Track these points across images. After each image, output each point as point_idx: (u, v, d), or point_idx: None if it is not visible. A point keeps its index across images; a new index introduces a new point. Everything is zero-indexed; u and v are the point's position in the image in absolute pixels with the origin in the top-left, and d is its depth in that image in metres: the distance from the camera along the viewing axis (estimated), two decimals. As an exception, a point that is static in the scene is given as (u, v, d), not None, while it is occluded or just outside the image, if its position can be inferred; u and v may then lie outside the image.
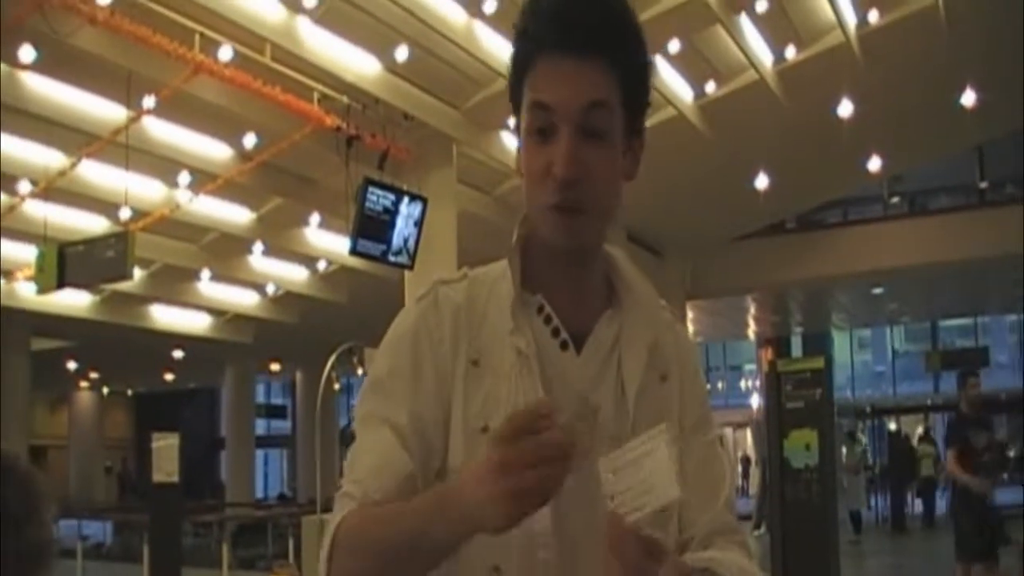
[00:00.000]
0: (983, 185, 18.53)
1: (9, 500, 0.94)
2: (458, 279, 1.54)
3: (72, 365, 23.99)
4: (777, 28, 11.40)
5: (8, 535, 0.92)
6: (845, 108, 12.10)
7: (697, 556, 1.44)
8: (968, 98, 12.40)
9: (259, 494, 28.25)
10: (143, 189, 12.08)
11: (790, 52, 11.78)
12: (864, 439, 28.21)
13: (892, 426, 28.97)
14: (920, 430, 25.33)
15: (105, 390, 28.40)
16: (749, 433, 28.98)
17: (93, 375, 26.55)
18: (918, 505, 21.66)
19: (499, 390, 1.43)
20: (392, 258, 10.84)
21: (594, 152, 1.39)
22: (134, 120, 10.10)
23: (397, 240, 10.69)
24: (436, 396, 1.45)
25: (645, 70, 1.47)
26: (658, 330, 1.54)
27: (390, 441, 1.42)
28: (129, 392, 29.38)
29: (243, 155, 11.62)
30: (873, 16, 11.44)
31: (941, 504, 20.26)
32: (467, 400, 1.44)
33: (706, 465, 1.56)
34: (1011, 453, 25.17)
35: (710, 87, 12.10)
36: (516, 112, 1.47)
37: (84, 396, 28.90)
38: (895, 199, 19.11)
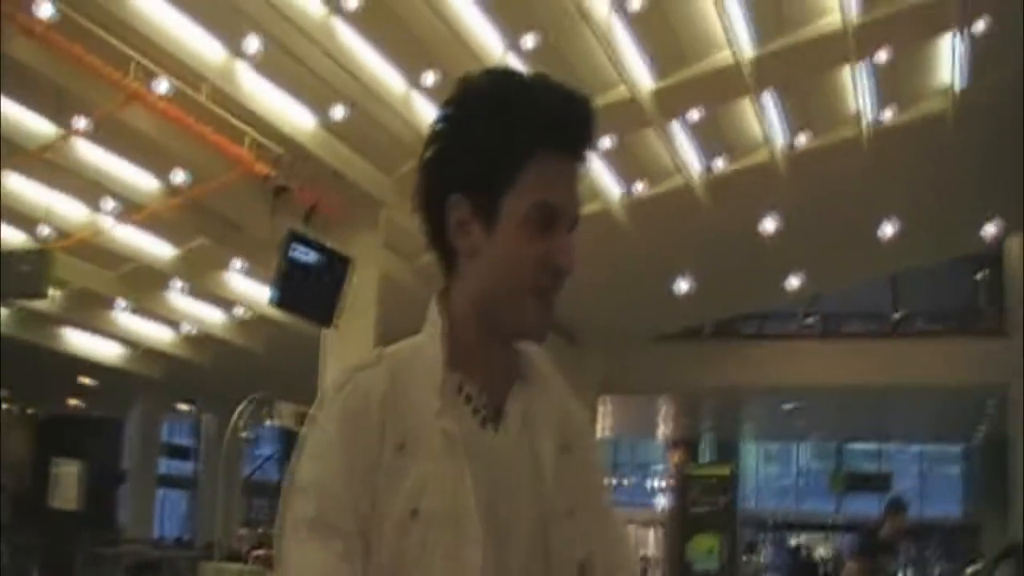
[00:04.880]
0: (896, 315, 19.00)
1: None
2: (374, 363, 1.52)
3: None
4: (708, 138, 11.74)
5: None
6: (769, 224, 12.44)
7: None
8: (886, 229, 12.80)
9: (156, 534, 27.68)
10: (66, 209, 12.00)
11: (719, 163, 12.10)
12: (763, 550, 28.41)
13: (792, 541, 29.19)
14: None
15: (4, 407, 27.81)
16: (652, 534, 28.98)
17: (-4, 391, 26.01)
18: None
19: (427, 472, 1.43)
20: (312, 313, 10.83)
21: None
22: (63, 138, 10.09)
23: (318, 296, 10.67)
24: (368, 490, 1.44)
25: None
26: (562, 403, 1.59)
27: (337, 555, 1.40)
28: (29, 411, 28.78)
29: (170, 190, 11.61)
30: (801, 139, 11.83)
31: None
32: (395, 486, 1.43)
33: (609, 528, 1.62)
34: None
35: (638, 187, 12.36)
36: (471, 190, 1.46)
37: (-16, 411, 28.27)
38: (810, 319, 19.49)
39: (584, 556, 1.54)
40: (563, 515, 1.51)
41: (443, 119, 1.51)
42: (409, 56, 9.71)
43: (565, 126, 1.46)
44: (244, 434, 23.22)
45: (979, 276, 19.06)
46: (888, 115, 11.49)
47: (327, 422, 1.47)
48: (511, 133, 1.45)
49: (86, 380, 21.02)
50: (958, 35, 10.22)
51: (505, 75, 1.52)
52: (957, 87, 10.98)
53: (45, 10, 8.01)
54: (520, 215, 1.45)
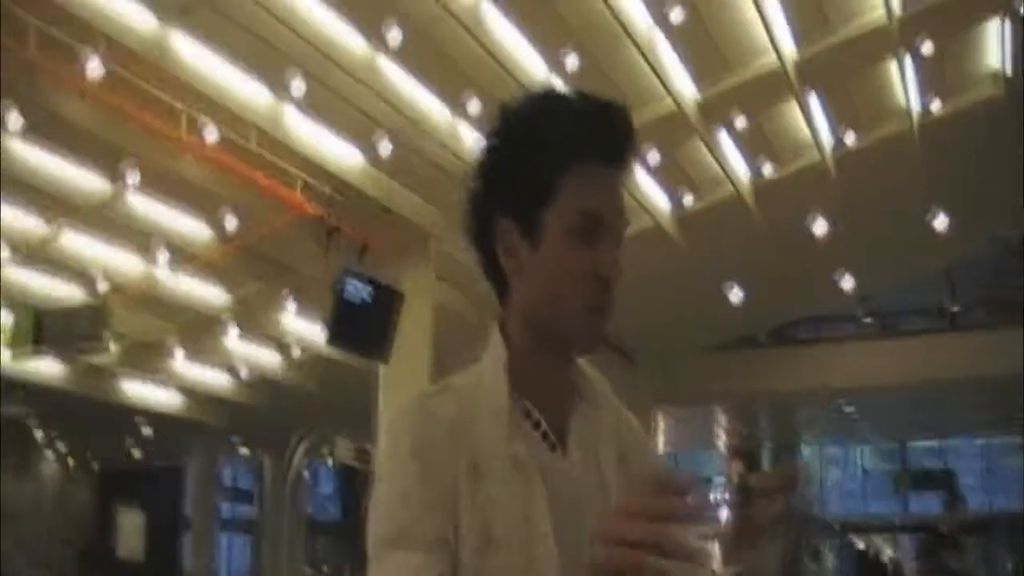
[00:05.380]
0: (954, 309, 18.79)
1: None
2: (441, 391, 1.52)
3: (39, 434, 23.71)
4: (754, 144, 11.67)
5: None
6: (819, 226, 12.33)
7: None
8: (940, 221, 12.66)
9: (221, 578, 27.82)
10: (121, 262, 12.10)
11: (767, 169, 12.03)
12: (829, 555, 28.06)
13: (859, 543, 28.80)
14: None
15: (71, 462, 28.08)
16: (716, 546, 28.77)
17: (60, 446, 26.25)
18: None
19: (501, 498, 1.43)
20: (367, 349, 10.85)
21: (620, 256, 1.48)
22: (118, 194, 10.19)
23: (372, 332, 10.71)
24: (449, 509, 1.43)
25: None
26: (618, 416, 1.59)
27: (416, 565, 1.38)
28: (95, 466, 29.01)
29: (223, 236, 11.69)
30: (849, 138, 11.73)
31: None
32: (471, 511, 1.43)
33: None
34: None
35: (687, 199, 12.31)
36: (516, 210, 1.48)
37: (48, 467, 28.53)
38: (867, 319, 19.31)
39: None
40: None
41: (485, 149, 1.54)
42: (451, 85, 9.73)
43: (600, 135, 1.46)
44: (304, 473, 23.38)
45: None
46: (936, 105, 11.38)
47: (399, 444, 1.46)
48: (546, 147, 1.46)
49: (146, 429, 21.16)
50: (1005, 19, 10.11)
51: (541, 95, 1.53)
52: (1007, 71, 10.87)
53: (94, 69, 8.08)
54: (563, 227, 1.45)
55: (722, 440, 26.16)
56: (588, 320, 1.47)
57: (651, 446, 1.68)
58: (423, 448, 1.45)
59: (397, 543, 1.40)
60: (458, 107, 9.85)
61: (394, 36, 8.69)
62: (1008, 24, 10.21)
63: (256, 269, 12.88)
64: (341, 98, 9.15)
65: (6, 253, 11.47)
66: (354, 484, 29.77)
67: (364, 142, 10.16)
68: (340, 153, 10.19)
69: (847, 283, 14.76)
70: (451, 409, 1.48)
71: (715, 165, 11.46)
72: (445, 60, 9.40)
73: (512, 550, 1.41)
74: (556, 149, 1.46)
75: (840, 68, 10.62)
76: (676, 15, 9.16)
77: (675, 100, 10.03)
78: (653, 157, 10.66)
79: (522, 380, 1.49)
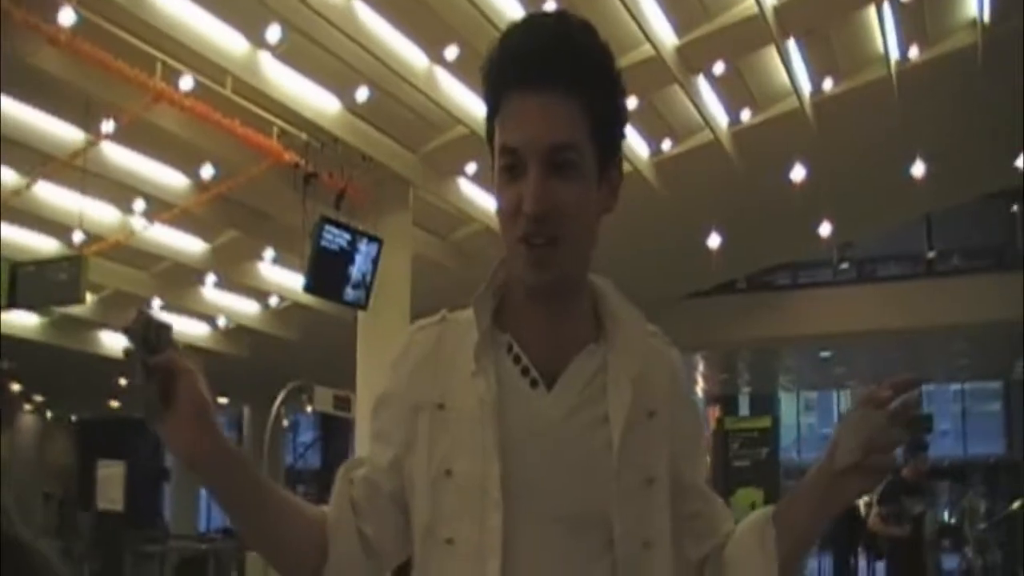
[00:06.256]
0: (931, 255, 18.88)
1: None
2: (433, 322, 1.56)
3: (16, 387, 23.65)
4: (733, 91, 11.63)
5: None
6: (798, 173, 12.32)
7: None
8: (918, 169, 12.66)
9: (202, 528, 27.91)
10: (97, 214, 12.00)
11: (745, 115, 12.00)
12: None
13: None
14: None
15: (49, 414, 28.03)
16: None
17: (37, 398, 26.20)
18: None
19: (463, 433, 1.45)
20: (346, 297, 10.86)
21: (563, 186, 1.40)
22: (92, 144, 10.09)
23: (351, 280, 10.72)
24: (389, 440, 1.52)
25: (614, 104, 1.47)
26: (646, 361, 1.52)
27: (342, 493, 1.60)
28: (73, 418, 28.93)
29: (200, 186, 11.61)
30: (828, 84, 11.71)
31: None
32: (432, 444, 1.46)
33: (708, 502, 1.60)
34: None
35: (666, 145, 12.27)
36: (492, 154, 1.48)
37: (27, 420, 28.49)
38: (844, 265, 19.39)
39: (662, 528, 1.50)
40: (638, 486, 1.46)
41: None
42: (429, 31, 9.62)
43: (519, 60, 1.42)
44: (284, 422, 23.39)
45: (1014, 210, 18.87)
46: (915, 53, 11.35)
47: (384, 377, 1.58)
48: (487, 84, 1.47)
49: (124, 381, 21.11)
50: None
51: (511, 25, 1.49)
52: (985, 19, 10.84)
53: (67, 17, 7.96)
54: (497, 166, 1.45)
55: (700, 386, 26.32)
56: (523, 253, 1.43)
57: (686, 401, 1.64)
58: (390, 381, 1.55)
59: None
60: (436, 54, 9.76)
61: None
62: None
63: (234, 218, 12.81)
64: (318, 44, 9.02)
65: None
66: (333, 433, 29.93)
67: (341, 88, 10.08)
68: (317, 100, 10.09)
69: (825, 229, 14.78)
70: (430, 343, 1.52)
71: (693, 111, 11.40)
72: (422, 6, 9.29)
73: (467, 487, 1.43)
74: (492, 86, 1.45)
75: (819, 14, 10.56)
76: (655, -40, 9.09)
77: (653, 46, 9.94)
78: (631, 102, 10.61)
79: (519, 317, 1.50)
